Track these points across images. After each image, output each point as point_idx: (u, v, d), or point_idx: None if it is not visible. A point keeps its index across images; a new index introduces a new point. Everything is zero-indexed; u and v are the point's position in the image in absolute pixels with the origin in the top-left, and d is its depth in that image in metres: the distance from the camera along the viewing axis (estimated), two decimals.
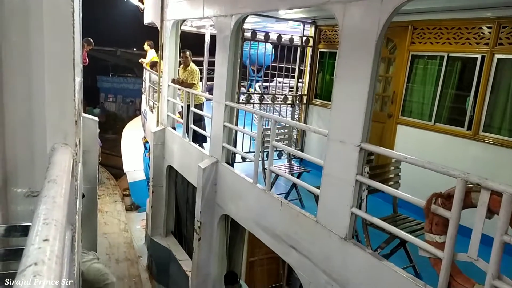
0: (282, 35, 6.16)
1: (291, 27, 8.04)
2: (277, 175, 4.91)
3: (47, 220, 1.10)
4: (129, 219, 11.81)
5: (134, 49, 34.35)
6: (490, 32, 4.26)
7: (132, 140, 13.86)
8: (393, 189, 3.14)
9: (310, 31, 6.62)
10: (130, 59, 33.25)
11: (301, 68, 6.78)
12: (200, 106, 7.17)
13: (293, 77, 9.21)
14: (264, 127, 7.24)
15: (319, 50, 6.58)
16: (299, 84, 7.80)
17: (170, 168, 8.06)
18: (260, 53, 8.91)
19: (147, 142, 13.83)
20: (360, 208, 3.52)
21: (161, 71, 8.11)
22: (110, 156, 22.23)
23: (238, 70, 5.66)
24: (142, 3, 10.25)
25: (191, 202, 7.32)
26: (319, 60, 6.63)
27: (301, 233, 4.18)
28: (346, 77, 3.56)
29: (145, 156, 13.33)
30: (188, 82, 7.04)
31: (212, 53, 12.32)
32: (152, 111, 9.78)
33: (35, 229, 1.05)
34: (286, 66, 6.77)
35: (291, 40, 6.33)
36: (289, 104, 6.65)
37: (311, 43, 6.58)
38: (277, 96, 6.57)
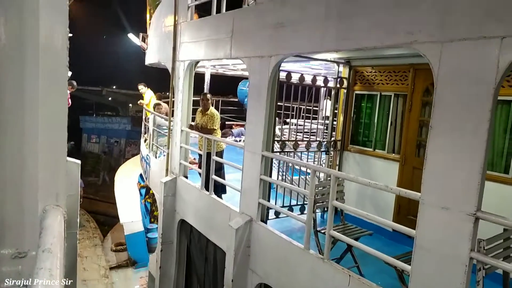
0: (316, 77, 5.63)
1: (309, 66, 7.58)
2: (336, 240, 4.16)
3: None
4: (126, 277, 10.57)
5: (114, 87, 33.71)
6: None
7: (126, 186, 12.83)
8: None
9: (343, 72, 6.12)
10: (115, 98, 32.49)
11: (334, 111, 6.22)
12: (220, 154, 6.45)
13: (307, 118, 8.67)
14: (284, 172, 6.61)
15: (355, 92, 6.05)
16: (321, 127, 7.26)
17: (182, 222, 7.17)
18: None
19: (142, 187, 12.85)
20: None
21: (172, 115, 7.41)
22: (95, 202, 20.81)
23: (275, 117, 5.04)
24: (145, 42, 9.70)
25: (212, 263, 6.40)
26: (354, 103, 6.09)
27: None
28: (448, 129, 2.95)
29: (141, 203, 12.32)
30: (208, 127, 6.35)
31: (211, 92, 11.84)
32: (156, 157, 8.98)
33: None
34: (294, 105, 6.18)
35: (326, 81, 5.79)
36: (323, 151, 6.01)
37: (345, 85, 6.06)
38: (311, 142, 5.93)
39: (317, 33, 4.11)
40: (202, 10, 8.13)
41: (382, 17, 3.45)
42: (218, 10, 6.12)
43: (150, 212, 12.11)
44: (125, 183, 12.96)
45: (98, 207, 20.61)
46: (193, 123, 6.95)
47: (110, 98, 33.63)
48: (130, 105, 32.93)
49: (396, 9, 3.35)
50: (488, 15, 2.72)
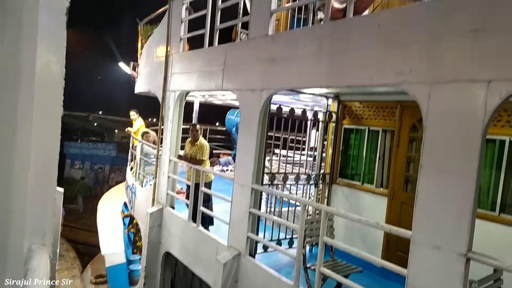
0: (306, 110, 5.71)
1: (298, 98, 7.70)
2: (326, 277, 4.08)
3: None
4: None
5: (100, 113, 33.54)
6: None
7: (109, 215, 12.47)
8: None
9: (332, 105, 6.23)
10: (101, 124, 32.25)
11: (324, 142, 6.28)
12: (209, 185, 6.38)
13: (296, 149, 8.67)
14: (273, 204, 6.52)
15: (343, 126, 6.14)
16: (310, 160, 7.28)
17: (167, 255, 6.96)
18: None
19: (126, 216, 12.52)
20: None
21: (160, 145, 7.35)
22: (76, 230, 20.12)
23: (265, 149, 5.05)
24: (135, 71, 9.75)
25: None
26: (343, 137, 6.16)
27: None
28: (438, 168, 2.99)
29: (124, 233, 11.96)
30: (198, 158, 6.31)
31: (199, 121, 11.90)
32: (142, 185, 8.83)
33: None
34: (284, 136, 6.28)
35: (315, 115, 5.88)
36: (312, 183, 6.01)
37: (334, 118, 6.15)
38: (300, 175, 5.93)
39: (309, 69, 4.20)
40: (193, 41, 8.27)
41: (372, 57, 3.56)
42: (211, 43, 6.22)
43: (133, 242, 11.74)
44: (108, 212, 12.61)
45: (78, 235, 19.91)
46: (181, 152, 6.91)
47: (95, 124, 33.35)
48: (116, 131, 32.73)
49: (386, 50, 3.46)
50: (474, 60, 2.82)
